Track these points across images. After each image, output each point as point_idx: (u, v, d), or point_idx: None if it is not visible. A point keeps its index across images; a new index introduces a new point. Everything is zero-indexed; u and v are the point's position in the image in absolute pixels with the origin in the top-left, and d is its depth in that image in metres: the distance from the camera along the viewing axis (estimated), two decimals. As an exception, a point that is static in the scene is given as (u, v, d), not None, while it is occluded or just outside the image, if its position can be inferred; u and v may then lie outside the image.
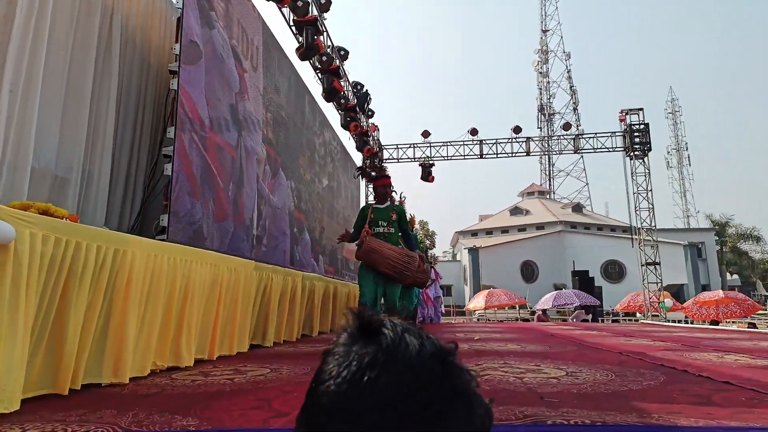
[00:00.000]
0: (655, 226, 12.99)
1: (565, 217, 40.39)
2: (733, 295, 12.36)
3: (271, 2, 6.04)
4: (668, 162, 61.29)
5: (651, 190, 12.86)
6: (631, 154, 12.91)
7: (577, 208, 44.30)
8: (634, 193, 12.93)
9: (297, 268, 6.86)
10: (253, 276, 4.73)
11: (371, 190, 12.38)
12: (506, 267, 36.10)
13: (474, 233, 42.60)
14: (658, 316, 12.57)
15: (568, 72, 59.57)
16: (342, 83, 8.94)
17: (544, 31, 61.01)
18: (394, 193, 6.86)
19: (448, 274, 40.20)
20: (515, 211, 43.33)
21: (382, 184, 5.08)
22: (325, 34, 8.22)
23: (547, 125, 56.04)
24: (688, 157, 59.91)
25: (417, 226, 42.71)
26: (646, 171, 12.94)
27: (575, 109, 58.98)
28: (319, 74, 8.25)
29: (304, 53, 6.94)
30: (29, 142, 3.10)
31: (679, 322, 14.26)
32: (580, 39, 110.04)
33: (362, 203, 11.83)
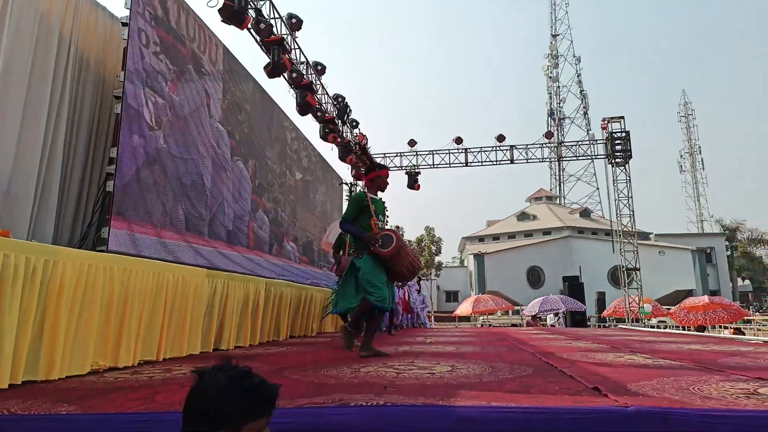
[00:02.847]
0: (634, 231, 13.13)
1: (573, 223, 40.29)
2: (719, 300, 12.38)
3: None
4: (681, 166, 60.77)
5: (631, 197, 13.02)
6: (612, 161, 13.11)
7: (585, 213, 44.14)
8: (615, 200, 13.13)
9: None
10: (204, 283, 5.07)
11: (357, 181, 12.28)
12: (512, 272, 36.13)
13: (481, 239, 42.69)
14: (639, 320, 12.67)
15: (578, 76, 59.57)
16: (318, 97, 9.32)
17: (554, 36, 61.11)
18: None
19: (455, 280, 40.35)
20: (522, 216, 43.35)
21: (387, 174, 4.28)
22: (297, 50, 8.62)
23: (557, 130, 55.89)
24: (702, 161, 59.29)
25: (423, 232, 42.17)
26: (627, 178, 13.11)
27: (585, 113, 58.90)
28: (293, 89, 8.63)
29: (271, 71, 7.33)
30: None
31: (669, 327, 14.25)
32: (591, 42, 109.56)
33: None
